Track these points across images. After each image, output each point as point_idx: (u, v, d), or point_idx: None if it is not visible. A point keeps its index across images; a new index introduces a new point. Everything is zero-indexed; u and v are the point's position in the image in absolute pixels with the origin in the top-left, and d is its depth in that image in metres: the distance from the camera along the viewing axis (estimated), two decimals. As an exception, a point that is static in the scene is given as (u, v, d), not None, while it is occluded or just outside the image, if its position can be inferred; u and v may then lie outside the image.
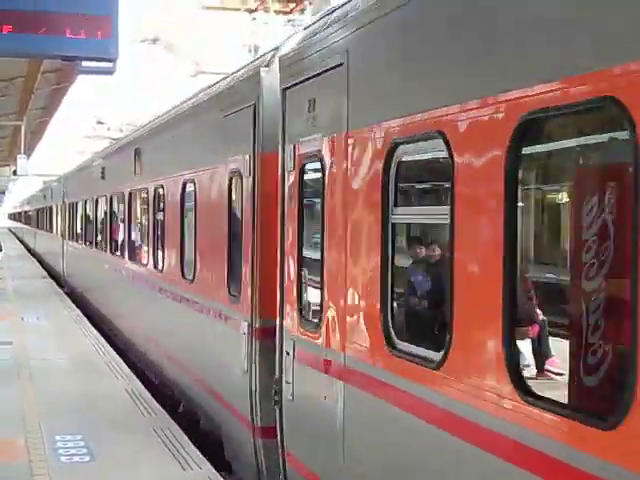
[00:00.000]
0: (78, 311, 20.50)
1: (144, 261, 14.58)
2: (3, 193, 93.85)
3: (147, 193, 14.12)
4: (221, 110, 9.44)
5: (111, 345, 15.64)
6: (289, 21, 32.17)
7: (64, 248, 29.18)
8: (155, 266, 13.25)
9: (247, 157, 8.35)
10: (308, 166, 7.04)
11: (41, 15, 8.86)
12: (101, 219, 20.90)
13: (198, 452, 8.61)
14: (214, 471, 8.06)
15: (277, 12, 33.46)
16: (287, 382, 7.15)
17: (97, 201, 21.32)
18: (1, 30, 8.64)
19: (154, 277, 13.27)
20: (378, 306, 5.53)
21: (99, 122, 54.97)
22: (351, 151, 6.01)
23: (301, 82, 7.07)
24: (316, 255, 6.81)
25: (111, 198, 18.89)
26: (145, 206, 14.59)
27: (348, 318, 6.06)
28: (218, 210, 9.51)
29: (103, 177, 20.05)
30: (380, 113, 5.66)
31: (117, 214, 18.44)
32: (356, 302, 5.98)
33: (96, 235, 21.35)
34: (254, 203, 8.15)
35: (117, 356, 14.25)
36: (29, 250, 52.44)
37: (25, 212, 67.93)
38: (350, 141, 6.02)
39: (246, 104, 8.45)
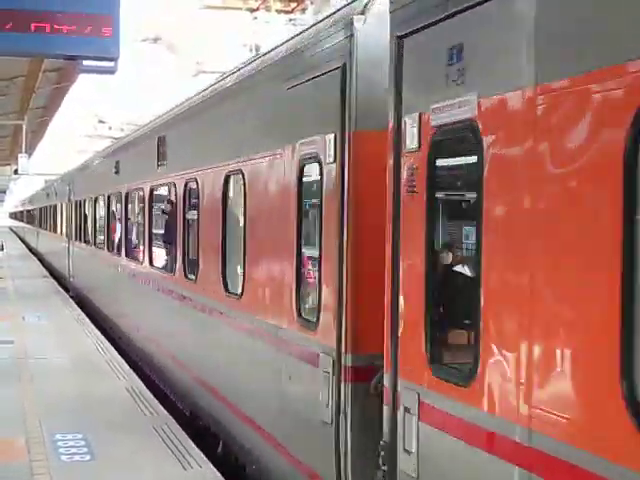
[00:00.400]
0: (79, 311, 20.48)
1: (169, 268, 12.51)
2: (4, 192, 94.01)
3: (175, 188, 11.88)
4: (285, 81, 7.40)
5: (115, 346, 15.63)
6: (290, 20, 32.22)
7: (70, 249, 27.23)
8: (186, 275, 11.12)
9: (331, 137, 6.37)
10: (447, 142, 5.03)
11: (43, 14, 8.86)
12: (114, 219, 18.59)
13: (199, 451, 8.61)
14: (215, 471, 8.05)
15: (278, 11, 33.49)
16: (407, 451, 5.14)
17: (109, 199, 19.10)
18: (2, 29, 8.64)
19: (184, 288, 11.16)
20: (616, 356, 3.44)
21: (100, 121, 55.04)
22: (543, 114, 3.99)
23: (434, 24, 5.04)
24: (463, 269, 5.16)
25: (127, 195, 16.55)
26: (171, 204, 12.58)
27: (538, 370, 3.97)
28: (281, 207, 7.42)
29: (117, 172, 17.78)
30: (628, 46, 3.42)
31: (134, 213, 16.39)
32: (557, 345, 3.86)
33: (108, 236, 19.00)
34: (343, 196, 6.15)
35: (118, 355, 14.24)
36: (30, 249, 52.07)
37: (27, 211, 67.51)
38: (541, 99, 4.02)
39: (328, 68, 6.47)
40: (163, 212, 13.82)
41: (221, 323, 9.43)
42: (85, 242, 23.51)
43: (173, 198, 12.21)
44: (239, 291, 8.65)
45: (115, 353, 14.46)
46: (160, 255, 13.72)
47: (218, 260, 9.47)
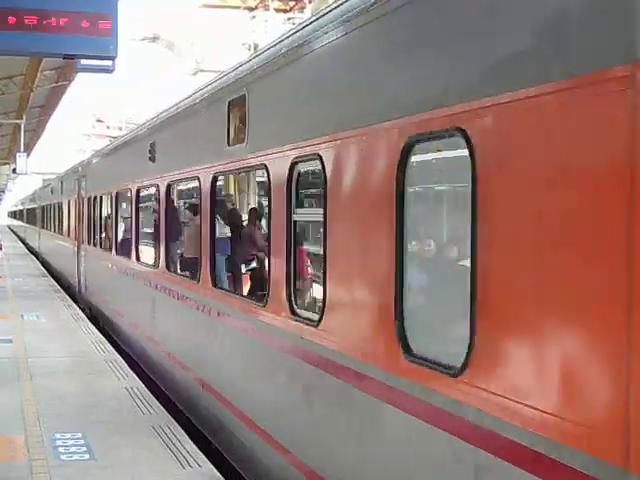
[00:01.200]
0: (78, 310, 20.46)
1: (255, 294, 9.45)
2: (2, 191, 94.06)
3: (266, 174, 7.69)
4: None
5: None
6: (289, 19, 32.25)
7: (80, 255, 23.58)
8: (292, 310, 7.03)
9: None
10: None
11: (41, 13, 8.87)
12: (147, 220, 15.01)
13: (198, 450, 8.61)
14: (214, 469, 8.05)
15: (277, 10, 33.53)
16: None
17: (138, 194, 14.62)
18: (1, 28, 8.65)
19: (290, 330, 7.03)
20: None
21: (98, 120, 55.14)
22: None
23: None
24: None
25: (169, 188, 12.23)
26: (254, 196, 9.62)
27: None
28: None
29: (152, 158, 13.17)
30: None
31: (185, 214, 12.91)
32: None
33: (137, 242, 14.72)
34: None
35: (117, 354, 14.24)
36: (31, 250, 50.70)
37: (27, 210, 66.40)
38: None
39: None
40: (239, 209, 10.61)
41: (388, 408, 5.31)
42: (102, 248, 19.52)
43: (260, 189, 8.83)
44: (457, 362, 4.51)
45: (114, 352, 14.45)
46: (232, 273, 10.42)
47: (387, 293, 5.23)
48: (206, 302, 9.88)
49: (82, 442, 8.80)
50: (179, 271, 12.18)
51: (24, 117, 33.02)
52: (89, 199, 21.90)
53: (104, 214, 19.54)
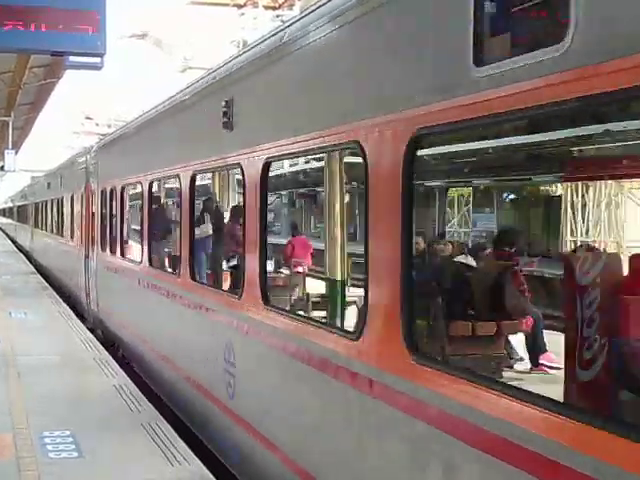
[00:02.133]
0: (66, 307, 20.39)
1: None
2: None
3: None
4: None
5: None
6: (277, 16, 32.21)
7: (89, 263, 19.33)
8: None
9: None
10: None
11: (29, 10, 8.85)
12: (213, 221, 11.24)
13: (186, 448, 8.60)
14: (203, 467, 8.05)
15: (266, 7, 33.48)
16: None
17: (193, 181, 9.95)
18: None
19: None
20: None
21: (87, 117, 55.03)
22: None
23: None
24: None
25: (265, 169, 7.35)
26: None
27: None
28: None
29: (228, 125, 8.35)
30: None
31: (313, 207, 9.68)
32: None
33: (191, 253, 10.11)
34: None
35: (105, 352, 14.21)
36: (21, 250, 48.99)
37: (18, 207, 64.89)
38: None
39: None
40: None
41: None
42: (124, 256, 15.07)
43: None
44: None
45: (102, 350, 14.42)
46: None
47: None
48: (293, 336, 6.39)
49: (70, 440, 8.77)
50: (266, 296, 7.49)
51: (12, 114, 32.95)
52: (103, 192, 17.08)
53: (128, 212, 15.35)
